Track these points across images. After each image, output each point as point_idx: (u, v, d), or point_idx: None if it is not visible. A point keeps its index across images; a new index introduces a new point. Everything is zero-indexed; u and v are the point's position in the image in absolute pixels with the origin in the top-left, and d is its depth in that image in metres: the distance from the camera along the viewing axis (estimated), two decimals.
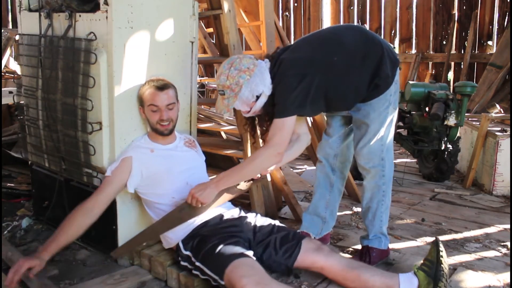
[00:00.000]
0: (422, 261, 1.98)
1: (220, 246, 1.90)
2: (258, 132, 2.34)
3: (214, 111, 3.90)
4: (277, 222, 2.20)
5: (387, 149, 2.23)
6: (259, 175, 2.22)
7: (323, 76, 2.03)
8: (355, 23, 6.90)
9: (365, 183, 2.31)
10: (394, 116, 2.23)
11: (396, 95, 2.21)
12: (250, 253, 1.91)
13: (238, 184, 2.13)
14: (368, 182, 2.29)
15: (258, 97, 2.06)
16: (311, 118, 3.06)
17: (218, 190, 2.02)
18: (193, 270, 1.95)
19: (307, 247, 2.03)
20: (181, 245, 2.02)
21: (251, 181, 2.20)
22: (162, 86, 2.13)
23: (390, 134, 2.24)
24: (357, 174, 3.74)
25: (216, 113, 3.84)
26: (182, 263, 2.00)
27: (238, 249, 1.89)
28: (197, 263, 1.93)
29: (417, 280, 1.90)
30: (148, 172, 2.14)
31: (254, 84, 2.02)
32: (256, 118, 2.24)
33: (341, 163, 2.43)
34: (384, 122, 2.18)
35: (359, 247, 2.43)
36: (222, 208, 2.18)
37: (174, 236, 2.08)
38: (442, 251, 1.95)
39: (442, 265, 1.92)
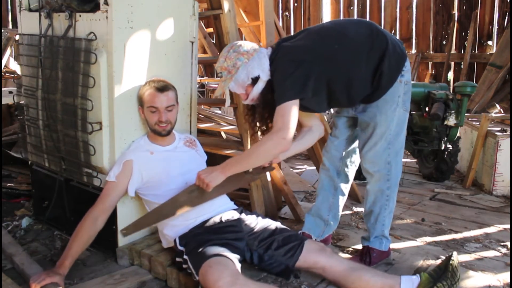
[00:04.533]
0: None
1: (207, 244, 1.91)
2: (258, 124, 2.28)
3: (214, 111, 3.90)
4: (278, 224, 2.19)
5: (395, 153, 2.17)
6: (268, 163, 2.20)
7: (323, 65, 2.00)
8: None
9: (369, 187, 2.26)
10: (404, 118, 2.17)
11: (406, 97, 2.14)
12: (232, 256, 1.88)
13: (247, 172, 2.12)
14: (371, 186, 2.24)
15: (254, 81, 2.03)
16: None
17: (225, 175, 1.99)
18: (183, 264, 1.97)
19: (310, 248, 2.03)
20: (177, 240, 2.03)
21: (263, 169, 2.20)
22: (162, 88, 2.12)
23: (398, 137, 2.17)
24: (357, 174, 3.73)
25: (217, 113, 3.83)
26: (177, 259, 2.01)
27: (221, 250, 1.88)
28: (185, 256, 1.95)
29: (419, 280, 1.91)
30: (148, 175, 2.14)
31: (251, 67, 2.01)
32: (256, 114, 2.19)
33: (346, 166, 2.40)
34: (391, 124, 2.12)
35: (359, 247, 2.43)
36: (222, 208, 2.18)
37: (174, 234, 2.08)
38: (453, 260, 1.97)
39: (448, 271, 1.93)
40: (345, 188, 2.45)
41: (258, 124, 2.22)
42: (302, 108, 2.07)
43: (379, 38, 2.06)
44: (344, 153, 2.37)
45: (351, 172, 2.44)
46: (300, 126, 2.28)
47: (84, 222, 2.01)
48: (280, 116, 1.94)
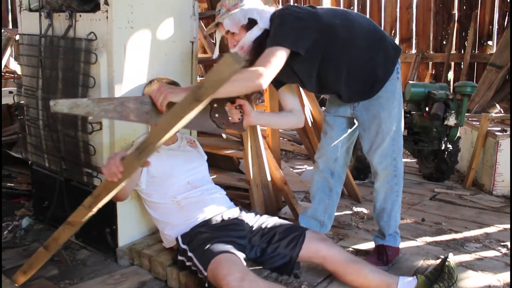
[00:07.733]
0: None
1: (213, 241, 1.91)
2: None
3: None
4: (278, 218, 2.19)
5: (398, 149, 2.20)
6: (238, 119, 2.06)
7: (322, 34, 1.99)
8: None
9: (377, 185, 2.26)
10: (402, 116, 2.21)
11: (401, 93, 2.20)
12: (240, 254, 1.89)
13: (214, 116, 1.99)
14: (381, 184, 2.25)
15: (250, 25, 2.00)
16: (311, 118, 3.06)
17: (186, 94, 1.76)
18: (187, 262, 1.97)
19: (312, 237, 2.04)
20: (179, 239, 2.04)
21: (233, 124, 2.06)
22: (172, 83, 2.14)
23: (399, 134, 2.20)
24: (357, 174, 3.75)
25: None
26: (179, 257, 2.01)
27: (229, 247, 1.89)
28: (189, 253, 1.95)
29: (416, 282, 1.92)
30: (153, 172, 2.14)
31: (250, 10, 2.00)
32: None
33: (340, 167, 2.40)
34: (394, 121, 2.15)
35: (359, 247, 2.43)
36: (222, 208, 2.18)
37: (175, 234, 2.08)
38: (449, 261, 1.97)
39: (445, 272, 1.93)
40: (339, 188, 2.46)
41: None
42: (292, 74, 2.06)
43: (379, 32, 2.14)
44: (338, 154, 2.37)
45: (344, 172, 2.46)
46: (280, 107, 2.29)
47: None
48: (264, 56, 1.85)
